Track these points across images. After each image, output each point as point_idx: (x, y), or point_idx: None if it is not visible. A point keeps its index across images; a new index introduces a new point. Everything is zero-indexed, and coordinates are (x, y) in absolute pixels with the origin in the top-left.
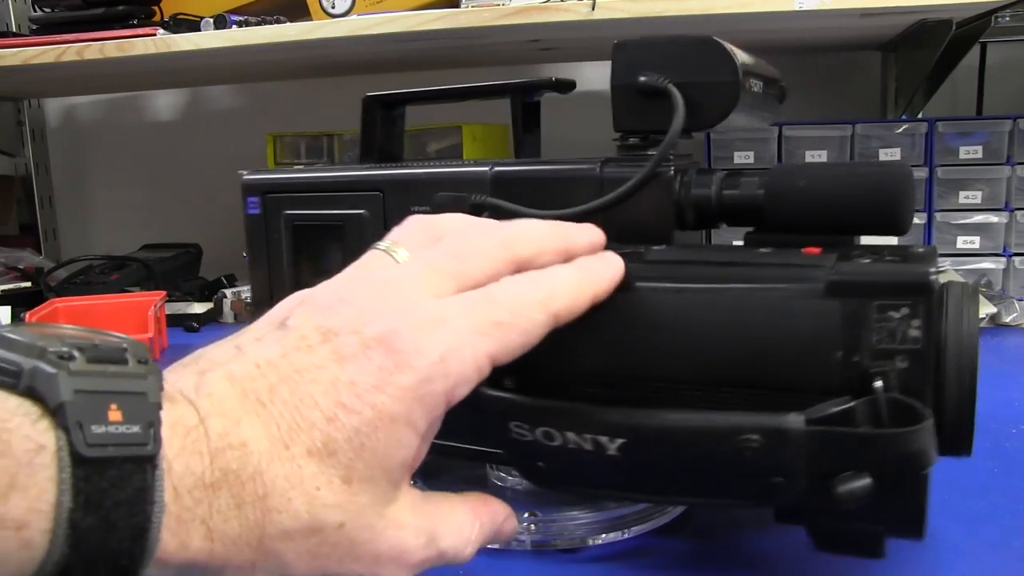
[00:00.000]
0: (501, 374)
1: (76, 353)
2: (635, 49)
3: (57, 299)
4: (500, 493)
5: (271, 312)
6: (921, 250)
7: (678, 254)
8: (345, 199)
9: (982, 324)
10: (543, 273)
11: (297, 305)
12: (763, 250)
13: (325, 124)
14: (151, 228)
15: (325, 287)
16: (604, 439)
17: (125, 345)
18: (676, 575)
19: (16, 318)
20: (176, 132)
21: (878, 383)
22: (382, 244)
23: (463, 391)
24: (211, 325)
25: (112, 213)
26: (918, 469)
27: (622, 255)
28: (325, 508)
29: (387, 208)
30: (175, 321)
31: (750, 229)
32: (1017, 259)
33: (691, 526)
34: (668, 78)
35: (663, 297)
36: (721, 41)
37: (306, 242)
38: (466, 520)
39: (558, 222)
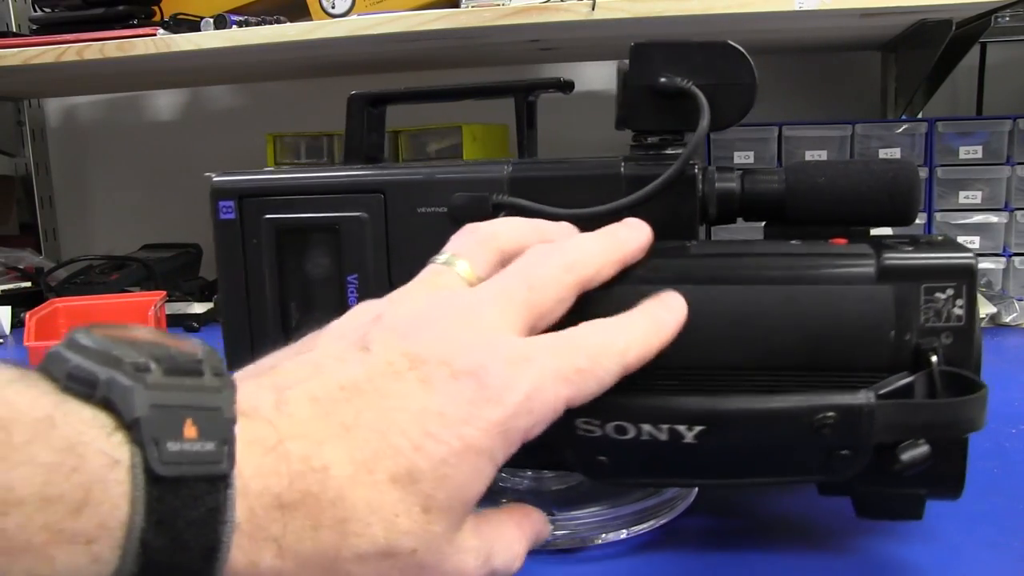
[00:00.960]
0: None
1: (152, 364)
2: (654, 51)
3: (57, 299)
4: (502, 493)
5: (341, 326)
6: (941, 238)
7: (725, 248)
8: (341, 201)
9: (981, 324)
10: (621, 325)
11: (373, 324)
12: (794, 242)
13: (325, 124)
14: (151, 228)
15: (403, 307)
16: (682, 428)
17: (200, 356)
18: (675, 574)
19: (16, 318)
20: (176, 132)
21: (935, 358)
22: (441, 258)
23: (539, 429)
24: (211, 325)
25: (112, 213)
26: (971, 432)
27: (669, 249)
28: (402, 535)
29: (389, 210)
30: (175, 321)
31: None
32: (1017, 259)
33: (691, 526)
34: (689, 80)
35: (727, 290)
36: (737, 45)
37: (293, 248)
38: (515, 536)
39: (608, 229)
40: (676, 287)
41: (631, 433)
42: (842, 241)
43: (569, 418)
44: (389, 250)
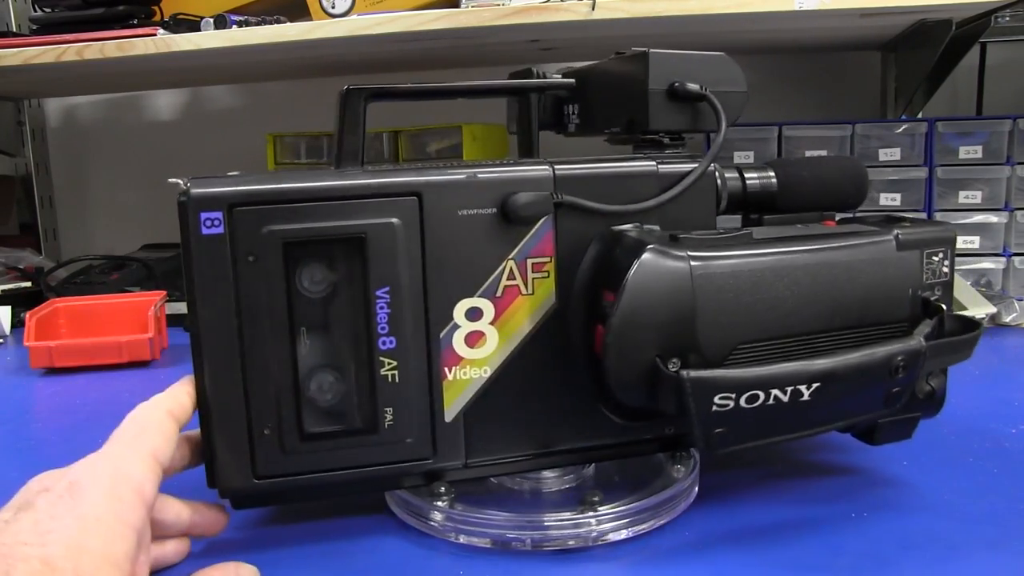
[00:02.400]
0: (667, 358)
1: None
2: (669, 59)
3: (57, 299)
4: (501, 493)
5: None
6: (911, 215)
7: (778, 233)
8: (367, 206)
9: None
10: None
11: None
12: (798, 226)
13: (325, 124)
14: (151, 228)
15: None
16: (803, 387)
17: None
18: (675, 574)
19: (16, 318)
20: (176, 132)
21: (943, 305)
22: None
23: None
24: None
25: (112, 213)
26: (967, 360)
27: (732, 238)
28: None
29: (426, 214)
30: (175, 321)
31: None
32: (1017, 259)
33: (691, 526)
34: (703, 86)
35: (803, 269)
36: (729, 57)
37: (303, 263)
38: None
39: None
40: (757, 265)
41: (759, 400)
42: (832, 223)
43: (708, 396)
44: (425, 257)
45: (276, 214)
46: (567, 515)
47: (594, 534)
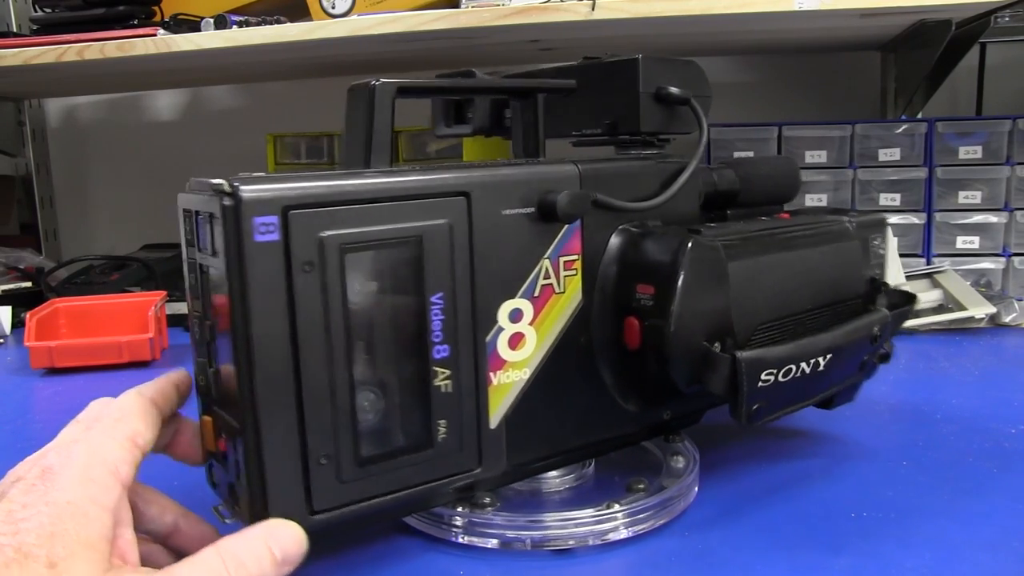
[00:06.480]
0: (711, 342)
1: None
2: (654, 64)
3: (57, 299)
4: (502, 495)
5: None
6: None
7: (761, 225)
8: (420, 208)
9: (981, 324)
10: None
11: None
12: (763, 218)
13: (325, 124)
14: (151, 228)
15: None
16: (822, 359)
17: None
18: (675, 574)
19: (16, 318)
20: (176, 132)
21: (887, 282)
22: None
23: None
24: None
25: (112, 213)
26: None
27: (740, 230)
28: None
29: (474, 214)
30: (175, 321)
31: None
32: (1017, 259)
33: (690, 525)
34: (685, 92)
35: (795, 255)
36: (699, 64)
37: (359, 272)
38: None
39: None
40: (770, 256)
41: (792, 374)
42: (786, 216)
43: (756, 373)
44: (473, 259)
45: (333, 217)
46: (567, 515)
47: (594, 534)
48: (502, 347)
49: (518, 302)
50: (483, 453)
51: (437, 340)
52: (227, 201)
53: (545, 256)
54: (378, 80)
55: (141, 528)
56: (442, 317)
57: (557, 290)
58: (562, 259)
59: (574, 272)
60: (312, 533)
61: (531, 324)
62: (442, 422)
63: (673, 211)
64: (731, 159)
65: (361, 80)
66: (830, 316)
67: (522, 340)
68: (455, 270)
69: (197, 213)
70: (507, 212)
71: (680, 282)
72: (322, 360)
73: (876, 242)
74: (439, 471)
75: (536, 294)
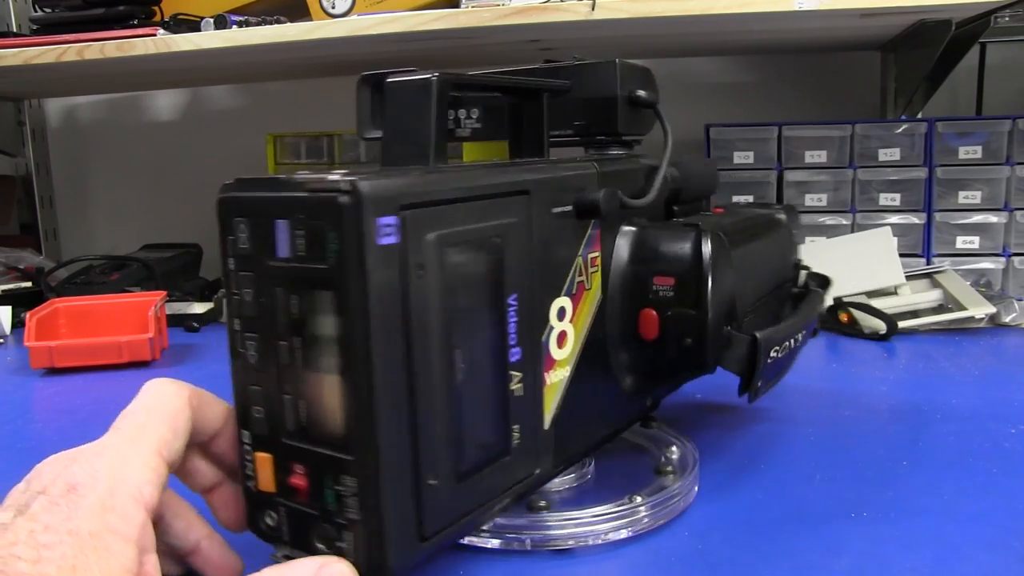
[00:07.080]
0: (726, 323)
1: None
2: (626, 68)
3: (57, 299)
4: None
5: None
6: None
7: (727, 218)
8: (498, 206)
9: (981, 324)
10: None
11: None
12: (705, 213)
13: (325, 124)
14: (151, 228)
15: None
16: (799, 335)
17: None
18: (675, 574)
19: (16, 318)
20: (176, 132)
21: (807, 265)
22: None
23: None
24: (211, 325)
25: (112, 213)
26: None
27: (726, 223)
28: None
29: (533, 213)
30: (175, 321)
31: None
32: (1017, 259)
33: (690, 525)
34: (651, 95)
35: (762, 243)
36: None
37: (459, 276)
38: None
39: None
40: (751, 244)
41: (785, 349)
42: (720, 210)
43: (767, 349)
44: (534, 259)
45: (436, 217)
46: (567, 515)
47: (595, 534)
48: (552, 346)
49: (563, 300)
50: (540, 454)
51: (512, 343)
52: (343, 198)
53: (579, 254)
54: (434, 75)
55: (164, 541)
56: (516, 319)
57: (587, 287)
58: (590, 256)
59: (596, 269)
60: (420, 562)
61: (571, 321)
62: (516, 427)
63: (649, 208)
64: (681, 157)
65: (370, 72)
66: (776, 297)
67: (566, 338)
68: (526, 270)
69: (273, 217)
70: (556, 210)
71: (712, 271)
72: (434, 373)
73: (796, 230)
74: (513, 477)
75: (573, 291)
